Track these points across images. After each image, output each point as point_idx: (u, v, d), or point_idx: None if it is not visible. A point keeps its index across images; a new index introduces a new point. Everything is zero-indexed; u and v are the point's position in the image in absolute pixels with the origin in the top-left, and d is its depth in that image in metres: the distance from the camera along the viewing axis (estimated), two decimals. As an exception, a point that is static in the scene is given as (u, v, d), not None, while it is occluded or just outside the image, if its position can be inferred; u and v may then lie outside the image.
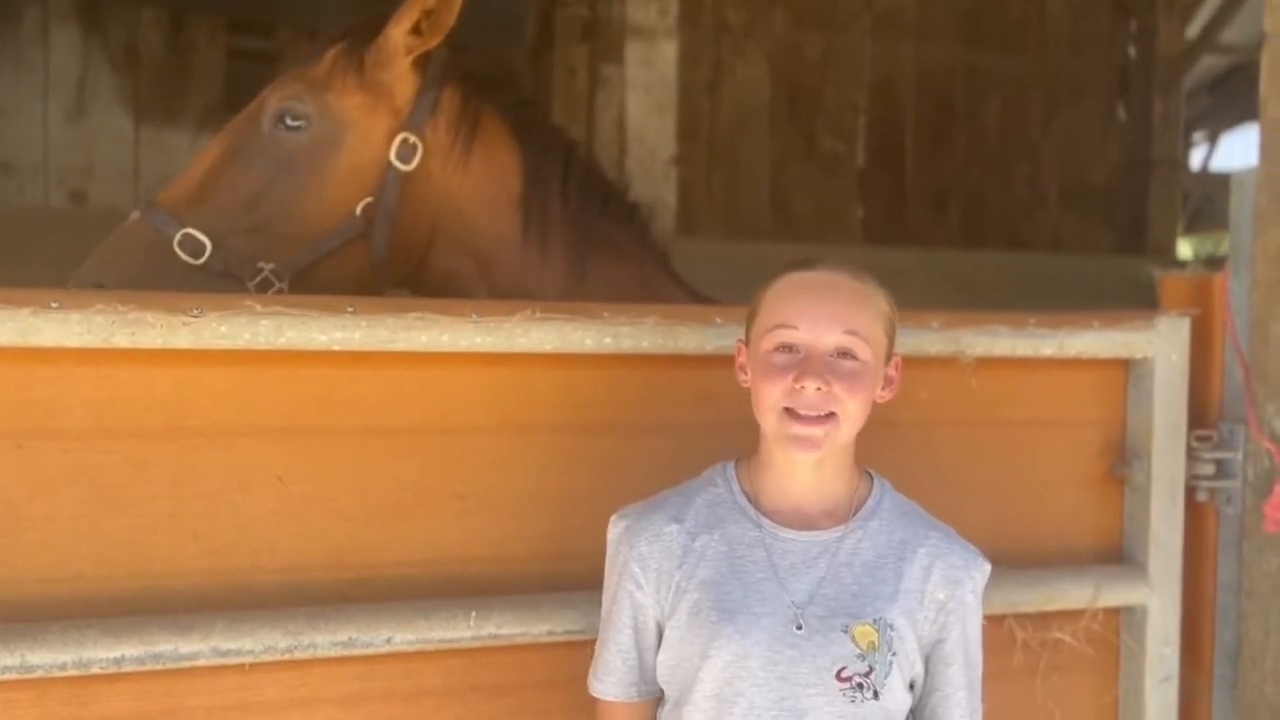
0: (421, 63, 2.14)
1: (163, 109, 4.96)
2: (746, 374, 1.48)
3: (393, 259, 2.09)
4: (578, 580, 1.67)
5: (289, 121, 2.09)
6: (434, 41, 2.11)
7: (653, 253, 2.32)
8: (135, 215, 2.12)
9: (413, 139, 2.07)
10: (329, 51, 2.16)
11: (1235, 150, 7.99)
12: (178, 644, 1.51)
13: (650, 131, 5.34)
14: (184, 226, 2.01)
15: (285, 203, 2.07)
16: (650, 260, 2.31)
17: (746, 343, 1.50)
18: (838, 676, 1.38)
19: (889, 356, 1.49)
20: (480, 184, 2.15)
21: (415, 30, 2.11)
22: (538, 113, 2.34)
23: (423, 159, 2.08)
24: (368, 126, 2.09)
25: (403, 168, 2.08)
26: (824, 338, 1.41)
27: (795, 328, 1.41)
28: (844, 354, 1.41)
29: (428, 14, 2.10)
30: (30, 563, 1.51)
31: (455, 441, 1.69)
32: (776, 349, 1.42)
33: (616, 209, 2.28)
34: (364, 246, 2.07)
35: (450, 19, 2.09)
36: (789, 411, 1.40)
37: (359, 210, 2.06)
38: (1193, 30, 6.20)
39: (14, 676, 1.46)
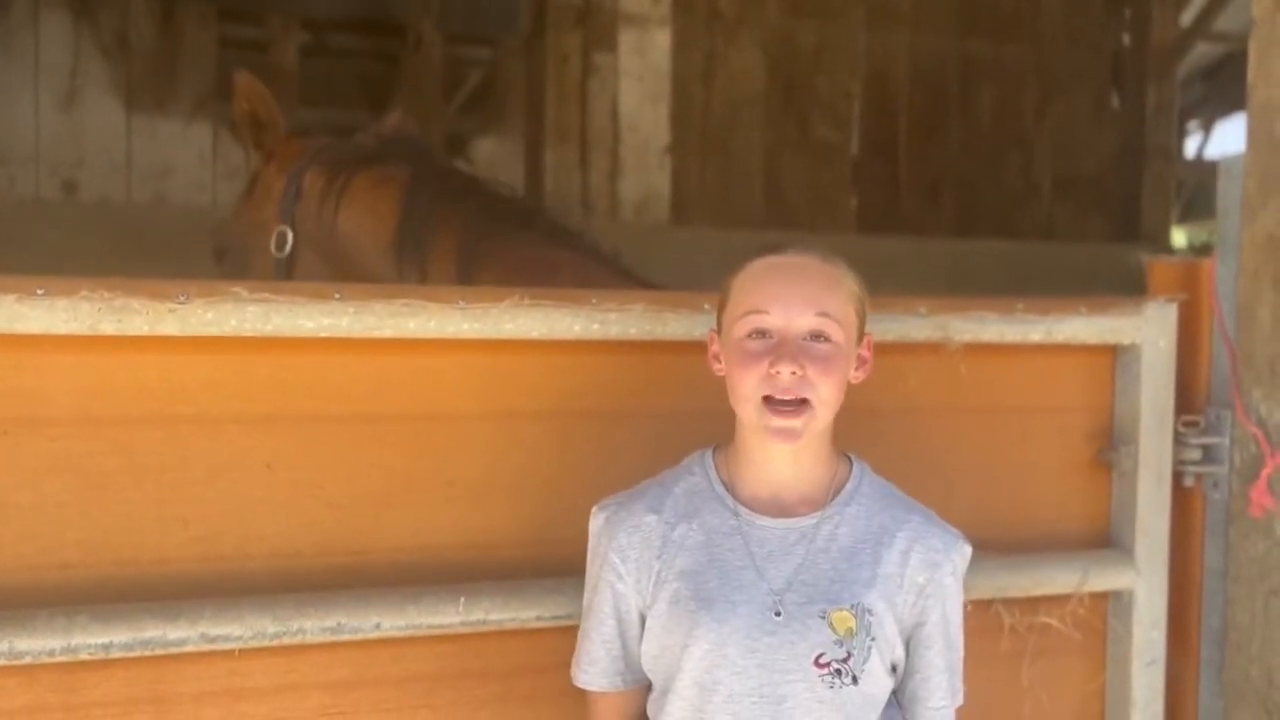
0: (288, 163, 2.53)
1: (154, 98, 4.95)
2: (720, 363, 1.48)
3: None
4: (566, 566, 1.67)
5: (219, 253, 2.66)
6: (276, 146, 2.55)
7: (588, 258, 2.42)
8: None
9: (283, 229, 2.47)
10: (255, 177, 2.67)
11: (1229, 139, 7.99)
12: (166, 630, 1.51)
13: (644, 120, 5.34)
14: None
15: None
16: (592, 266, 2.38)
17: (719, 331, 1.50)
18: (816, 663, 1.38)
19: (861, 337, 1.49)
20: (351, 240, 2.46)
21: (259, 145, 2.57)
22: (433, 159, 2.67)
23: (295, 241, 2.47)
24: (260, 235, 2.53)
25: (280, 255, 2.48)
26: (796, 320, 1.40)
27: (767, 312, 1.41)
28: (817, 336, 1.41)
29: (258, 128, 2.54)
30: (17, 550, 1.51)
31: (443, 428, 1.69)
32: (749, 335, 1.42)
33: (531, 226, 2.45)
34: None
35: (277, 123, 2.54)
36: (767, 401, 1.39)
37: None
38: (1186, 18, 6.19)
39: (3, 663, 1.46)
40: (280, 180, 2.52)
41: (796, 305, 1.40)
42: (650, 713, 1.49)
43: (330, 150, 2.54)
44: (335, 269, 2.46)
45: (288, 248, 2.47)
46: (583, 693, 1.56)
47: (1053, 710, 2.03)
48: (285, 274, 2.46)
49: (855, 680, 1.39)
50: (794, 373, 1.38)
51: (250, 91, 2.55)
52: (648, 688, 1.51)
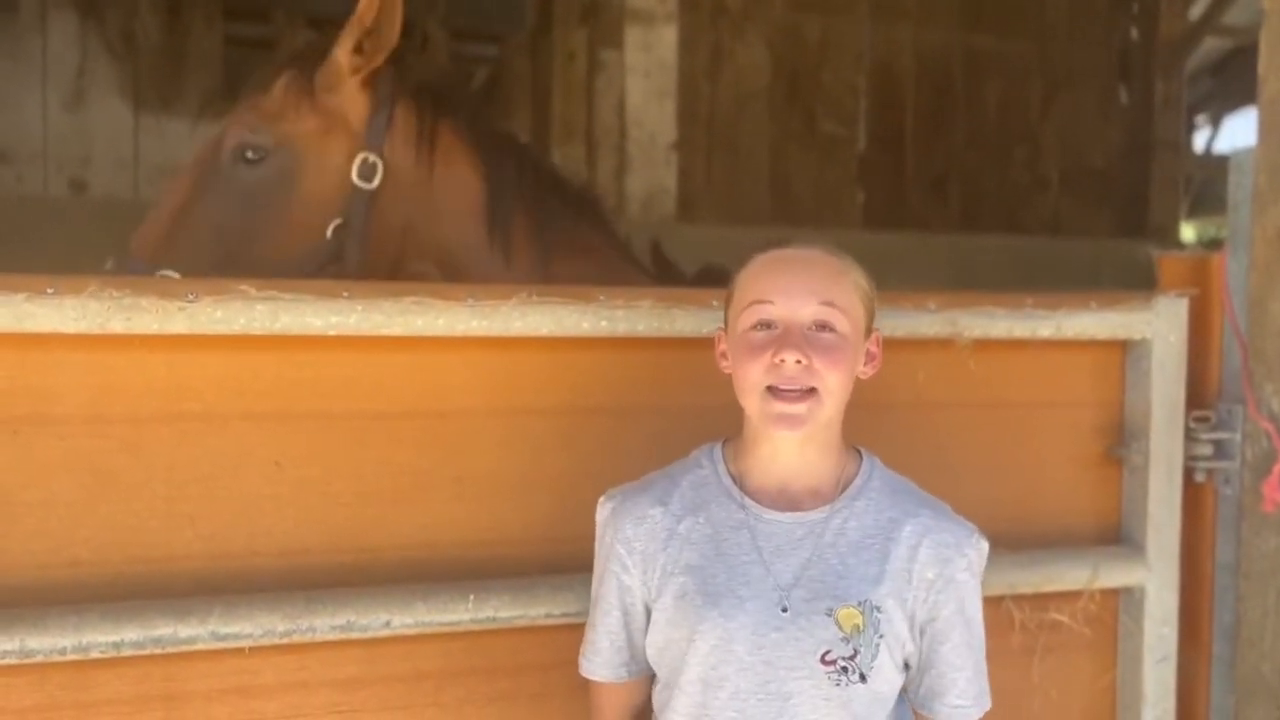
0: (370, 82, 2.18)
1: (161, 96, 4.95)
2: (727, 360, 1.47)
3: (366, 274, 2.12)
4: (575, 563, 1.67)
5: (248, 155, 2.15)
6: (378, 59, 2.15)
7: (614, 244, 2.37)
8: (110, 265, 2.15)
9: (373, 158, 2.13)
10: (278, 80, 2.21)
11: (1238, 133, 7.96)
12: (176, 628, 1.51)
13: (650, 116, 5.33)
14: (159, 268, 2.06)
15: (254, 232, 2.11)
16: (612, 251, 2.34)
17: (725, 327, 1.49)
18: (822, 660, 1.37)
19: (869, 332, 1.48)
20: (444, 196, 2.21)
21: (359, 50, 2.15)
22: (490, 122, 2.40)
23: (385, 176, 2.14)
24: (326, 150, 2.14)
25: (366, 187, 2.12)
26: (800, 310, 1.39)
27: (771, 302, 1.40)
28: (822, 326, 1.40)
29: (369, 33, 2.13)
30: (27, 548, 1.51)
31: (451, 425, 1.69)
32: (754, 326, 1.41)
33: (575, 206, 2.33)
34: (339, 266, 2.12)
35: (393, 35, 2.13)
36: (771, 390, 1.39)
37: (329, 233, 2.12)
38: (1195, 12, 6.16)
39: (14, 661, 1.46)
40: (362, 102, 2.15)
41: (800, 295, 1.39)
42: (656, 704, 1.49)
43: (409, 86, 2.23)
44: (410, 213, 2.18)
45: (376, 179, 2.12)
46: (587, 687, 1.55)
47: (1063, 707, 2.02)
48: (365, 208, 2.12)
49: (863, 678, 1.38)
50: (799, 361, 1.37)
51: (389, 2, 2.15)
52: (651, 679, 1.50)
